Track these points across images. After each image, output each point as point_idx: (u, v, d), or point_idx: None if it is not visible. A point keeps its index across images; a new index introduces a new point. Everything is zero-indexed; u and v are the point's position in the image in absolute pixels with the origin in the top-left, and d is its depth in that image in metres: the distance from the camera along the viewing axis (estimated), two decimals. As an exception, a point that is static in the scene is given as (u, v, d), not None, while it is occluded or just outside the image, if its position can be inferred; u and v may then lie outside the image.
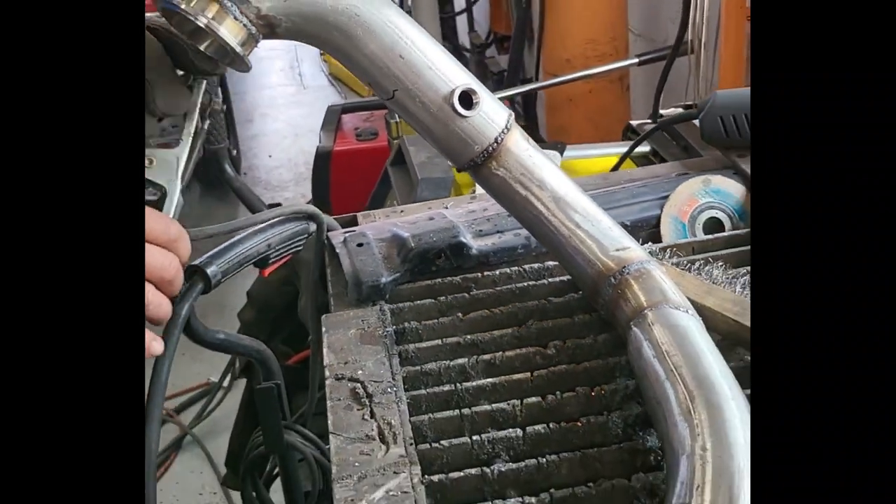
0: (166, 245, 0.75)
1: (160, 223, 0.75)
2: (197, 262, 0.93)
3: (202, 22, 0.78)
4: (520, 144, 0.86)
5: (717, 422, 0.61)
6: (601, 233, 0.85)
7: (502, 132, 0.84)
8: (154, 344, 0.76)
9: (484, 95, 0.84)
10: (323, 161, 2.53)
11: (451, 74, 0.84)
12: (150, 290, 0.74)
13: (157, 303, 0.75)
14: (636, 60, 2.06)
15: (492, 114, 0.84)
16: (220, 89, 4.28)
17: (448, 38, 4.23)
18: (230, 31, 0.78)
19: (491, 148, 0.84)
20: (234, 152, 4.52)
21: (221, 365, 2.64)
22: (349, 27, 0.81)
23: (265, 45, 0.86)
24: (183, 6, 0.76)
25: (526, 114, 2.93)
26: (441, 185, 1.49)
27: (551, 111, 2.56)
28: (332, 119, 2.74)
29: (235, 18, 0.78)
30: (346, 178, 2.46)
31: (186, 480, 2.56)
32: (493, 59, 3.63)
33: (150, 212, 0.75)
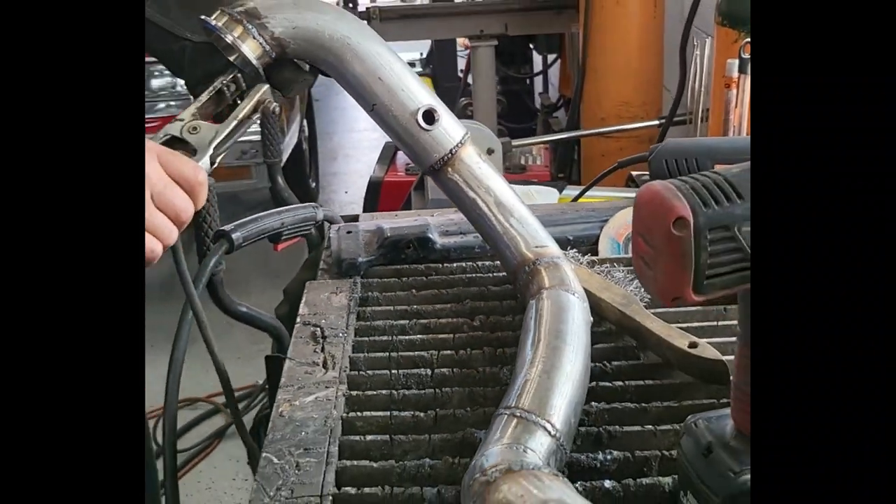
0: (191, 189, 0.83)
1: (189, 167, 0.84)
2: (224, 227, 1.17)
3: (229, 39, 1.01)
4: (472, 157, 1.06)
5: (551, 359, 0.80)
6: (528, 233, 1.04)
7: (457, 145, 1.05)
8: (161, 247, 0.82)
9: (444, 115, 1.05)
10: (374, 189, 2.81)
11: (418, 96, 1.04)
12: (166, 222, 0.82)
13: (167, 233, 0.82)
14: (657, 123, 2.26)
15: (450, 130, 1.05)
16: (306, 126, 4.63)
17: (521, 97, 4.46)
18: (250, 48, 1.01)
19: (447, 157, 1.04)
20: (314, 185, 4.85)
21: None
22: (341, 51, 1.03)
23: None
24: (215, 23, 1.00)
25: (568, 163, 3.14)
26: (445, 206, 1.70)
27: (587, 163, 2.78)
28: (388, 154, 3.02)
29: (254, 38, 1.01)
30: (391, 205, 2.70)
31: (223, 466, 2.80)
32: (556, 119, 3.86)
33: (184, 158, 0.85)
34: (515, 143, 2.36)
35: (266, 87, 1.00)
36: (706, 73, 1.83)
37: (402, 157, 3.03)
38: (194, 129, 0.95)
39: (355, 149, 5.97)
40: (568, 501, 0.55)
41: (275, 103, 1.03)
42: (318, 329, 1.03)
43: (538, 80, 4.69)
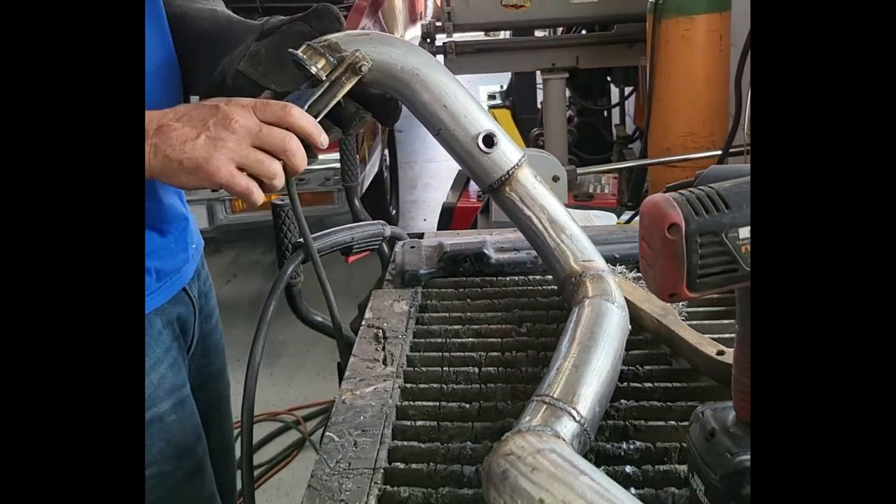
0: (286, 125, 0.95)
1: (278, 107, 0.96)
2: (300, 240, 1.30)
3: (314, 70, 1.14)
4: (528, 178, 1.16)
5: (583, 355, 0.89)
6: (577, 248, 1.14)
7: (515, 167, 1.15)
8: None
9: (502, 139, 1.16)
10: (447, 214, 2.94)
11: (479, 121, 1.15)
12: (266, 157, 0.93)
13: (267, 167, 0.94)
14: (719, 153, 2.32)
15: (508, 153, 1.15)
16: (388, 155, 4.80)
17: (598, 128, 4.54)
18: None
19: (504, 177, 1.15)
20: (394, 212, 5.01)
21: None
22: (411, 82, 1.14)
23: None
24: (302, 56, 1.12)
25: (639, 192, 3.21)
26: (508, 226, 1.80)
27: (653, 191, 2.85)
28: (461, 181, 3.16)
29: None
30: (462, 229, 2.83)
31: (301, 474, 2.94)
32: (631, 150, 3.93)
33: (275, 103, 0.96)
34: (580, 171, 2.45)
35: (358, 50, 1.07)
36: (762, 105, 1.89)
37: (473, 185, 3.17)
38: (299, 95, 1.05)
39: (434, 178, 6.13)
40: (558, 450, 0.65)
41: (368, 63, 1.11)
42: (381, 330, 1.14)
43: (615, 112, 4.76)
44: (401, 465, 0.88)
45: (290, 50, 1.13)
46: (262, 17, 1.22)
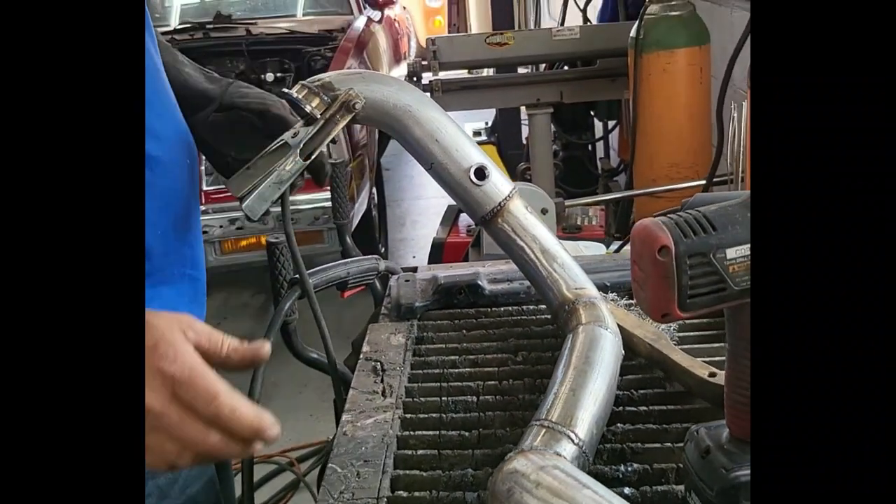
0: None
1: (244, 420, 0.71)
2: (295, 275, 1.32)
3: (308, 108, 1.16)
4: (519, 209, 1.19)
5: (578, 380, 0.92)
6: (569, 276, 1.16)
7: (506, 198, 1.18)
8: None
9: (493, 172, 1.19)
10: (437, 249, 2.97)
11: (471, 155, 1.18)
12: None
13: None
14: (703, 182, 2.36)
15: (499, 185, 1.18)
16: (375, 194, 4.84)
17: (583, 162, 4.60)
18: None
19: (496, 208, 1.17)
20: (383, 250, 5.04)
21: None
22: (403, 118, 1.17)
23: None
24: (297, 96, 1.15)
25: (626, 223, 3.25)
26: (499, 258, 1.83)
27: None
28: (451, 216, 3.19)
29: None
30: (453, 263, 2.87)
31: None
32: (616, 183, 3.98)
33: (246, 413, 0.72)
34: (568, 203, 2.49)
35: (351, 89, 1.11)
36: (743, 134, 1.95)
37: (463, 220, 3.20)
38: (295, 133, 1.10)
39: (422, 215, 6.16)
40: (561, 467, 0.67)
41: (361, 101, 1.14)
42: (379, 363, 1.16)
43: (600, 146, 4.82)
44: (403, 494, 0.89)
45: (285, 90, 1.16)
46: (239, 64, 1.25)
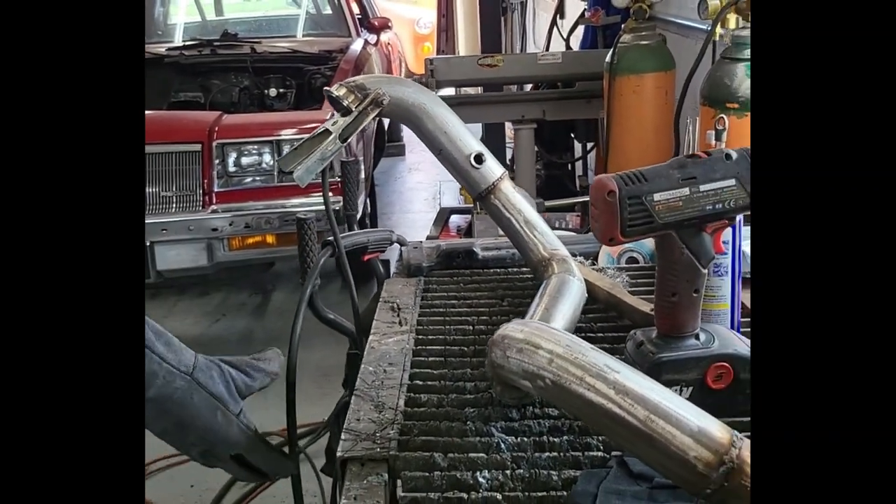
0: None
1: None
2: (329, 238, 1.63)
3: (345, 103, 1.48)
4: (508, 188, 1.51)
5: (551, 302, 1.23)
6: (547, 240, 1.48)
7: (498, 179, 1.49)
8: None
9: (489, 158, 1.51)
10: (430, 246, 3.33)
11: (471, 144, 1.49)
12: None
13: None
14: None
15: (493, 169, 1.49)
16: (369, 205, 5.15)
17: (562, 180, 4.93)
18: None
19: (490, 187, 1.49)
20: (372, 257, 5.33)
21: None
22: (419, 113, 1.49)
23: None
24: (336, 93, 1.47)
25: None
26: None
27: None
28: (443, 217, 3.54)
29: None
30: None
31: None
32: (592, 197, 4.32)
33: None
34: (548, 203, 2.82)
35: (379, 89, 1.39)
36: (696, 144, 2.29)
37: (454, 220, 3.54)
38: (334, 122, 1.37)
39: (410, 228, 6.47)
40: (543, 327, 0.98)
41: (387, 98, 1.44)
42: (395, 304, 1.48)
43: (579, 166, 5.17)
44: (419, 382, 1.20)
45: (326, 88, 1.48)
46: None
